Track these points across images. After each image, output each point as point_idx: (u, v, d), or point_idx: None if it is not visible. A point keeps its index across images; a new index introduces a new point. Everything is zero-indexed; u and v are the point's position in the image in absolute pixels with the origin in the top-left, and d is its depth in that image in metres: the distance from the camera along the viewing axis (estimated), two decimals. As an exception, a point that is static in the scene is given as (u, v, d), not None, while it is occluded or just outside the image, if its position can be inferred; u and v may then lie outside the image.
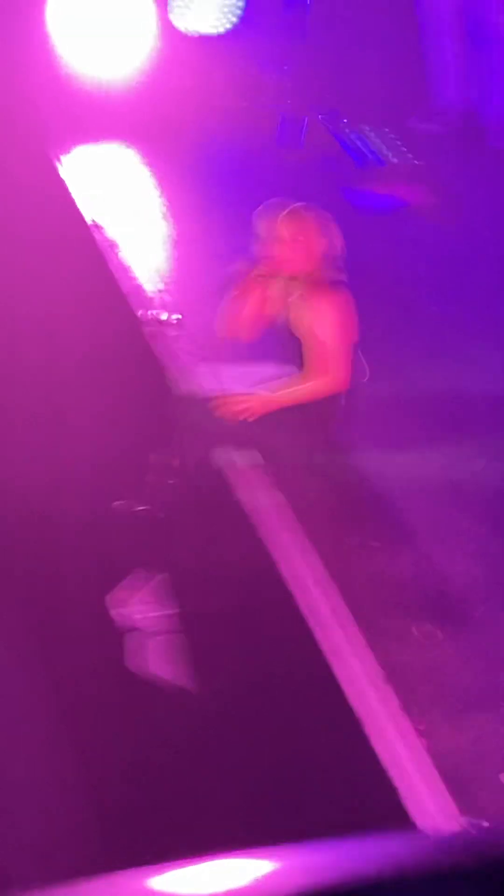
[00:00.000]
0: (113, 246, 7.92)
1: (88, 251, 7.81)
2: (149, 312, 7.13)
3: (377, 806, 4.60)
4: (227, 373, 6.40)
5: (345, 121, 8.71)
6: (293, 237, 5.80)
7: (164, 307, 7.20)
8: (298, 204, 5.86)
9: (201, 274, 7.39)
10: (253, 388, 6.05)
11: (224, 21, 9.40)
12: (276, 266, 5.88)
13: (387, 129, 8.70)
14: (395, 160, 8.44)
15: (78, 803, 4.96)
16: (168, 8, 9.23)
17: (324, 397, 5.88)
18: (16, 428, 6.50)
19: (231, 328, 6.06)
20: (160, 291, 7.36)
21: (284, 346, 6.00)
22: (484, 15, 8.68)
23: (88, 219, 8.07)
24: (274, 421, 5.92)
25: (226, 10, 9.36)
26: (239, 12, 9.37)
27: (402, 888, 2.04)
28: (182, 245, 7.91)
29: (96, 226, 8.01)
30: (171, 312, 7.13)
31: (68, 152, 8.95)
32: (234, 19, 9.38)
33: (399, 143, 8.60)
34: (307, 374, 5.92)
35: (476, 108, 8.93)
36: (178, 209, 8.32)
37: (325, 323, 5.79)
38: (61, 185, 8.50)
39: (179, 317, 7.09)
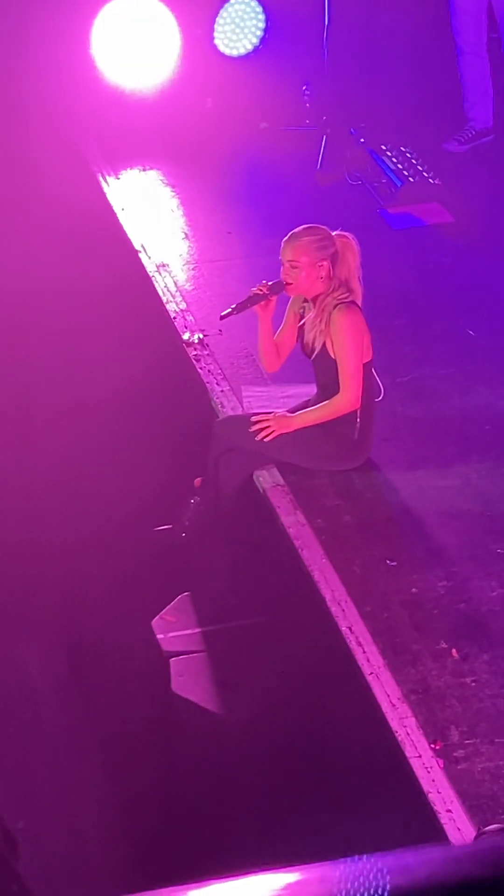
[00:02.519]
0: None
1: (134, 273, 7.81)
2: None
3: (399, 822, 4.60)
4: (265, 394, 6.42)
5: (383, 146, 8.66)
6: (293, 261, 5.80)
7: (186, 327, 7.19)
8: (299, 228, 5.89)
9: (223, 296, 7.36)
10: (273, 409, 6.10)
11: (245, 42, 9.37)
12: (289, 290, 5.91)
13: (415, 151, 8.65)
14: (433, 182, 8.39)
15: (108, 826, 4.95)
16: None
17: (338, 416, 5.87)
18: (57, 448, 6.50)
19: (268, 357, 6.08)
20: (182, 311, 7.35)
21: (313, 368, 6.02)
22: None
23: (135, 242, 8.07)
24: (293, 439, 5.93)
25: (247, 31, 9.32)
26: (260, 34, 9.33)
27: None
28: (203, 266, 7.87)
29: (141, 248, 8.01)
30: (192, 332, 7.12)
31: (103, 172, 8.94)
32: (256, 41, 9.35)
33: (429, 164, 8.55)
34: (324, 393, 5.95)
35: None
36: (201, 231, 8.29)
37: (333, 343, 5.80)
38: (105, 204, 8.52)
39: (202, 336, 7.09)
